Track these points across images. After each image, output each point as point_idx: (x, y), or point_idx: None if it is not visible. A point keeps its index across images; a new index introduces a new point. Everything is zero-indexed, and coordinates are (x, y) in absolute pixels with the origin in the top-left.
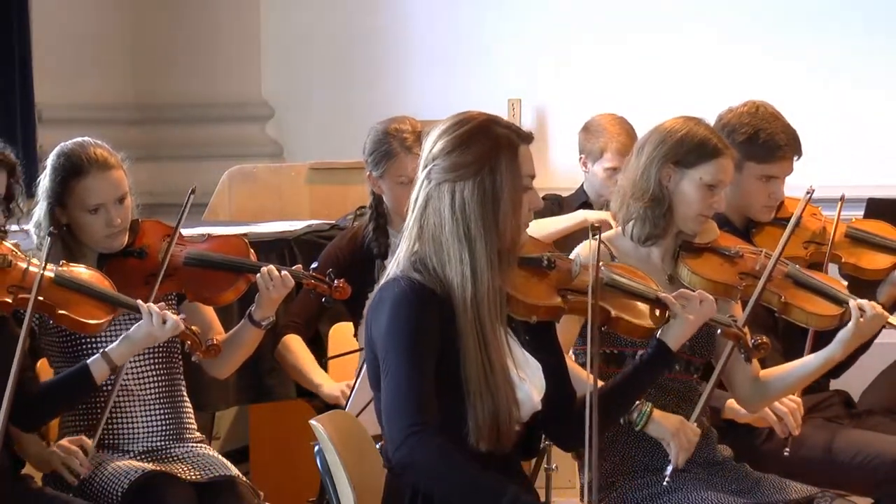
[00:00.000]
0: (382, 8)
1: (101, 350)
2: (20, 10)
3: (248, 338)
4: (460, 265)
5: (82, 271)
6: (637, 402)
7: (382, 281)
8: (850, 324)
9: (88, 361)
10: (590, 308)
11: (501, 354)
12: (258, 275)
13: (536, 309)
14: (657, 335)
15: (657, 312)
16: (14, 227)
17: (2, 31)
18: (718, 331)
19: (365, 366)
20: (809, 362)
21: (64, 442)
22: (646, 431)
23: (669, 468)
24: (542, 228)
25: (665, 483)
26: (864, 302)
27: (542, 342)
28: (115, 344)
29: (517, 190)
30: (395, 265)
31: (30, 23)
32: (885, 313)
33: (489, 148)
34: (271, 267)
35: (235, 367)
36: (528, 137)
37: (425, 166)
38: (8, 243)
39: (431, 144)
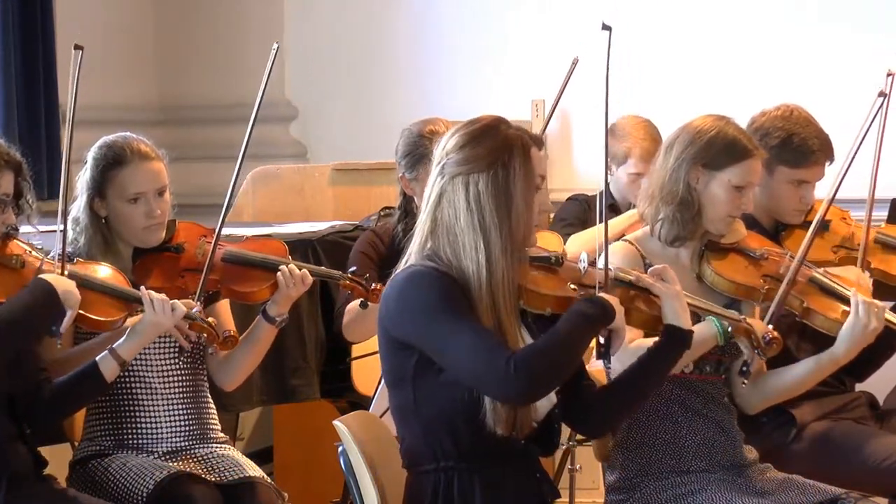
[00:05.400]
0: (406, 9)
1: (109, 347)
2: (44, 12)
3: (261, 335)
4: (475, 253)
5: (97, 269)
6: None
7: (393, 276)
8: (849, 318)
9: (97, 358)
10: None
11: (516, 341)
12: (278, 272)
13: (551, 300)
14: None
15: (658, 302)
16: (30, 229)
17: (26, 33)
18: (728, 328)
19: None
20: (809, 363)
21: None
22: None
23: (747, 367)
24: (595, 236)
25: (744, 384)
26: (861, 297)
27: None
28: (122, 339)
29: (530, 187)
30: (405, 259)
31: (54, 25)
32: (880, 304)
33: (501, 143)
34: (292, 265)
35: (246, 373)
36: (538, 140)
37: (439, 162)
38: (22, 243)
39: (445, 142)
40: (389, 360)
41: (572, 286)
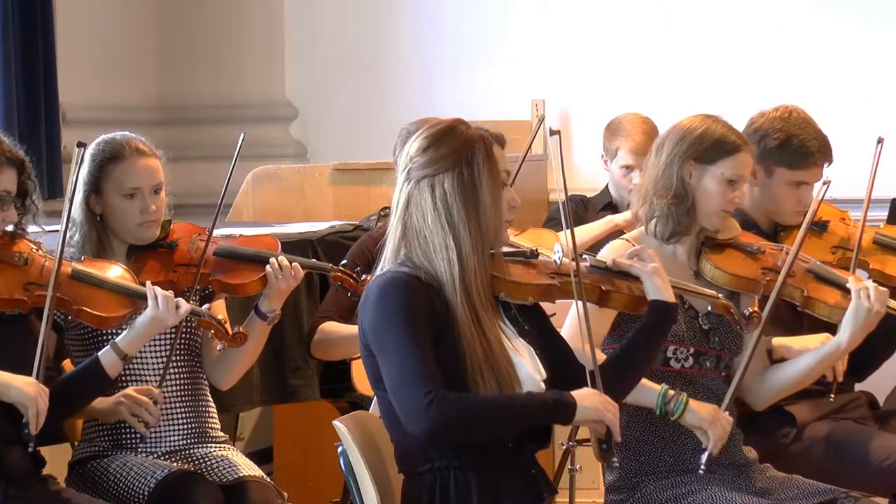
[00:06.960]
0: (406, 9)
1: (111, 341)
2: (44, 12)
3: (255, 332)
4: (446, 251)
5: (104, 265)
6: (672, 393)
7: (367, 284)
8: (851, 303)
9: (99, 354)
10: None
11: (496, 331)
12: (267, 264)
13: (531, 288)
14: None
15: (639, 285)
16: (36, 228)
17: (26, 32)
18: (708, 307)
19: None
20: (813, 353)
21: (131, 392)
22: (681, 422)
23: (705, 456)
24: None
25: (701, 471)
26: (861, 282)
27: (540, 327)
28: (123, 333)
29: (496, 183)
30: (381, 266)
31: (54, 24)
32: (884, 290)
33: (463, 141)
34: (281, 258)
35: (241, 372)
36: (499, 138)
37: (404, 168)
38: (30, 242)
39: (407, 148)
40: (370, 367)
41: (550, 274)
